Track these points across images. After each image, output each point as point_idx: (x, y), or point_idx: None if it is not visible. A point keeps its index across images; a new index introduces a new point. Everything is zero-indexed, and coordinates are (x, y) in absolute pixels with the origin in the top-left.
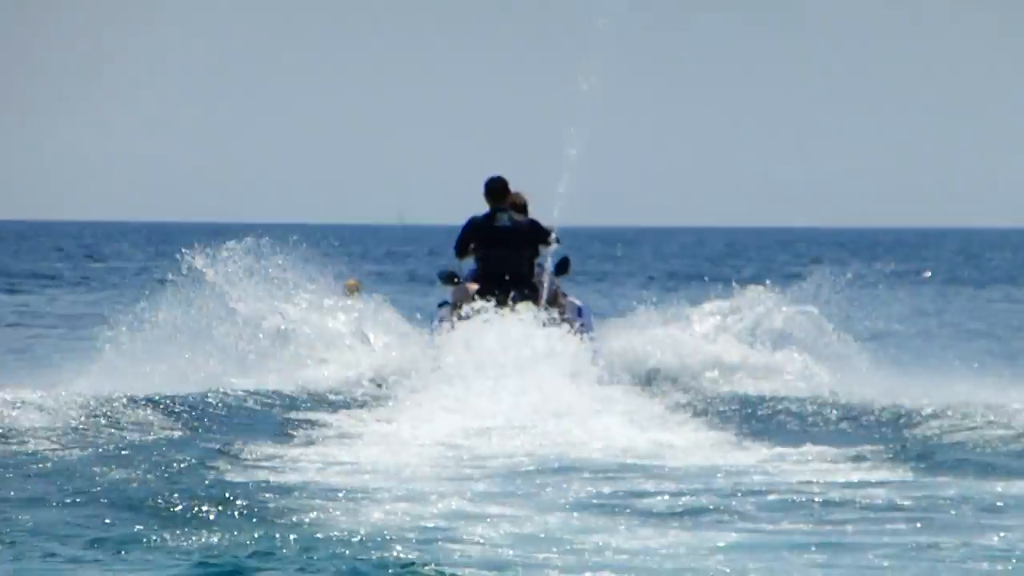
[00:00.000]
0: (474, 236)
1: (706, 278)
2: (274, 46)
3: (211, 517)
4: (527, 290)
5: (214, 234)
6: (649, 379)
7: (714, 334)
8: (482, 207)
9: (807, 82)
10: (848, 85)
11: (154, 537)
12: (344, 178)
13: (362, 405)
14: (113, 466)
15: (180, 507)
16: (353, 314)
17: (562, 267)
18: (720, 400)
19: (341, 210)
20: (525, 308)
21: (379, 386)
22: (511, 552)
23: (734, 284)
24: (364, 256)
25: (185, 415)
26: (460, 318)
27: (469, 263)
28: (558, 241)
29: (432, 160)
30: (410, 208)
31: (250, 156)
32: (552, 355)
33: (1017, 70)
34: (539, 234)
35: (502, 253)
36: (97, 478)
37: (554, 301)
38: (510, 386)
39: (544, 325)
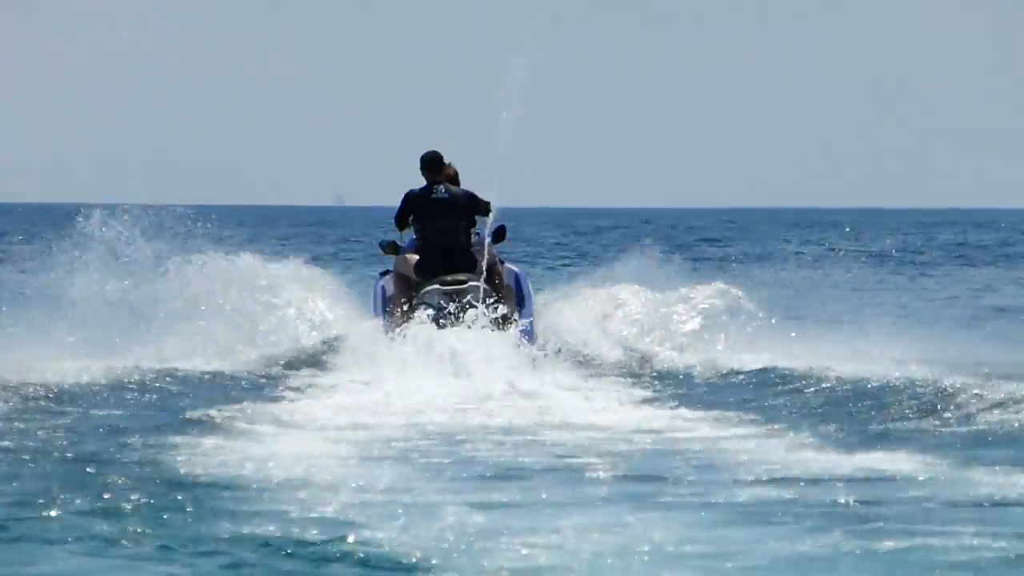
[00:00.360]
0: (413, 208)
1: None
2: (219, 28)
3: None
4: (466, 259)
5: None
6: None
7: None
8: (419, 183)
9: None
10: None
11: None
12: (283, 161)
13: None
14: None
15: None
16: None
17: (498, 235)
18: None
19: (281, 193)
20: (471, 318)
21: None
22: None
23: None
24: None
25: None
26: (407, 299)
27: (409, 234)
28: (493, 211)
29: (369, 144)
30: (348, 190)
31: (191, 137)
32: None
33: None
34: (476, 204)
35: (440, 224)
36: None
37: (491, 269)
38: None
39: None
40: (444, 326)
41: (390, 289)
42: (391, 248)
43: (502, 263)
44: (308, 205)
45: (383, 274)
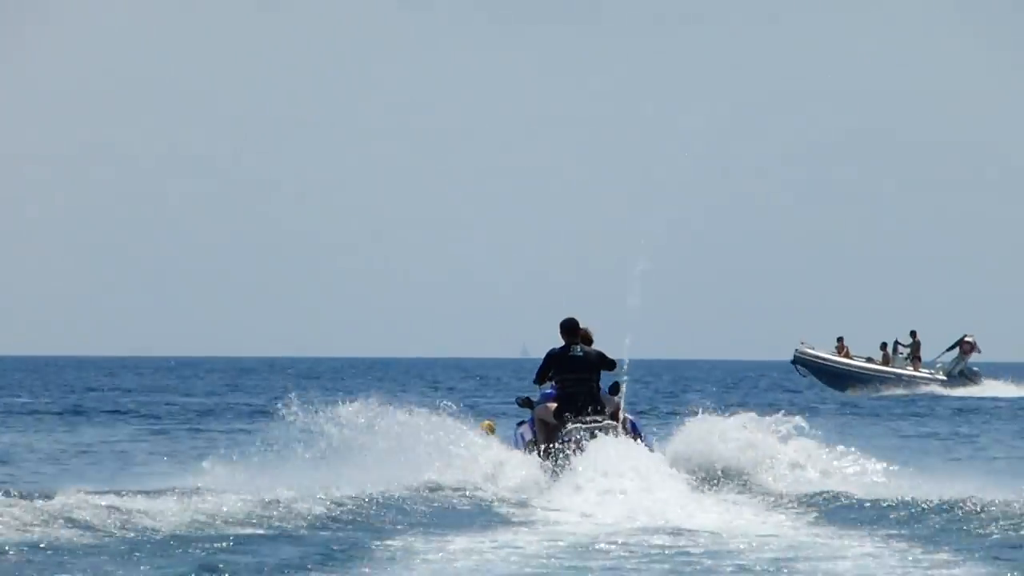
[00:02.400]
0: (554, 364)
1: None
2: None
3: None
4: (597, 406)
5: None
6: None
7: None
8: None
9: None
10: None
11: None
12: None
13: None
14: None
15: None
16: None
17: (614, 389)
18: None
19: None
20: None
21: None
22: None
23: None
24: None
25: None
26: (546, 440)
27: (542, 389)
28: (616, 368)
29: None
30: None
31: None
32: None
33: None
34: (604, 362)
35: (576, 377)
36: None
37: (615, 415)
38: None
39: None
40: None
41: (528, 435)
42: (526, 403)
43: (624, 412)
44: (494, 357)
45: (519, 424)
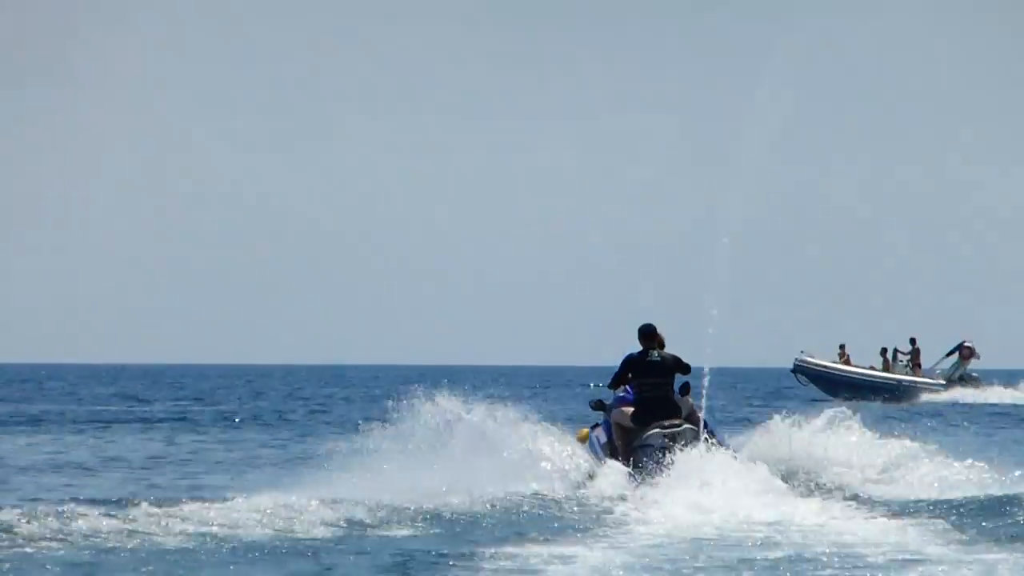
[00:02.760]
0: (632, 368)
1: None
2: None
3: None
4: (673, 410)
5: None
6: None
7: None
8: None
9: None
10: None
11: None
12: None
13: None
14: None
15: None
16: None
17: (684, 389)
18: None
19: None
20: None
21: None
22: None
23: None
24: None
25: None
26: (624, 444)
27: (615, 393)
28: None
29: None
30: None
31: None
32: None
33: None
34: (680, 366)
35: (654, 380)
36: None
37: (691, 417)
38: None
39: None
40: (665, 462)
41: (603, 438)
42: (599, 406)
43: (698, 410)
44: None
45: (593, 427)
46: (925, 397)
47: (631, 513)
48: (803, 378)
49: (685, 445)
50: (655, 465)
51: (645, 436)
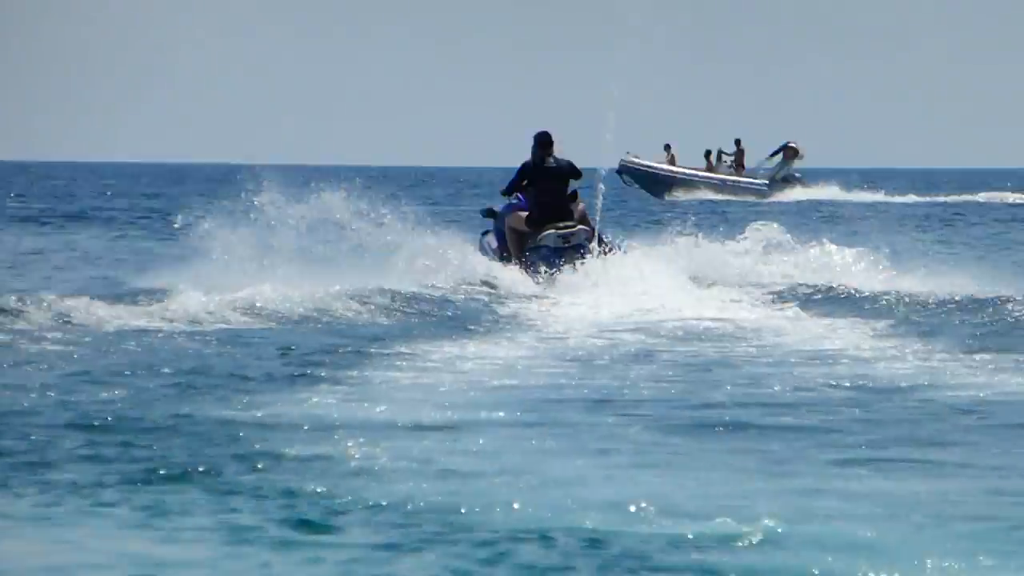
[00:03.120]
0: (529, 175)
1: None
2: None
3: None
4: (566, 211)
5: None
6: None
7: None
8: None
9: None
10: None
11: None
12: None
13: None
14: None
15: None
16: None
17: (571, 197)
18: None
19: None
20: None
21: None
22: None
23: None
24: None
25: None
26: (517, 248)
27: (506, 200)
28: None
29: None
30: None
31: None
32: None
33: None
34: (573, 171)
35: (550, 186)
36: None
37: (583, 220)
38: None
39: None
40: (560, 263)
41: (494, 243)
42: (490, 213)
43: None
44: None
45: (484, 233)
46: (744, 197)
47: (551, 310)
48: (628, 178)
49: (579, 246)
50: (548, 267)
51: (540, 238)
